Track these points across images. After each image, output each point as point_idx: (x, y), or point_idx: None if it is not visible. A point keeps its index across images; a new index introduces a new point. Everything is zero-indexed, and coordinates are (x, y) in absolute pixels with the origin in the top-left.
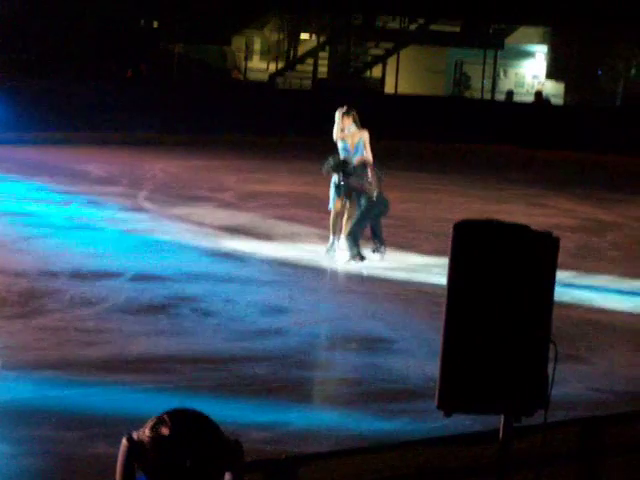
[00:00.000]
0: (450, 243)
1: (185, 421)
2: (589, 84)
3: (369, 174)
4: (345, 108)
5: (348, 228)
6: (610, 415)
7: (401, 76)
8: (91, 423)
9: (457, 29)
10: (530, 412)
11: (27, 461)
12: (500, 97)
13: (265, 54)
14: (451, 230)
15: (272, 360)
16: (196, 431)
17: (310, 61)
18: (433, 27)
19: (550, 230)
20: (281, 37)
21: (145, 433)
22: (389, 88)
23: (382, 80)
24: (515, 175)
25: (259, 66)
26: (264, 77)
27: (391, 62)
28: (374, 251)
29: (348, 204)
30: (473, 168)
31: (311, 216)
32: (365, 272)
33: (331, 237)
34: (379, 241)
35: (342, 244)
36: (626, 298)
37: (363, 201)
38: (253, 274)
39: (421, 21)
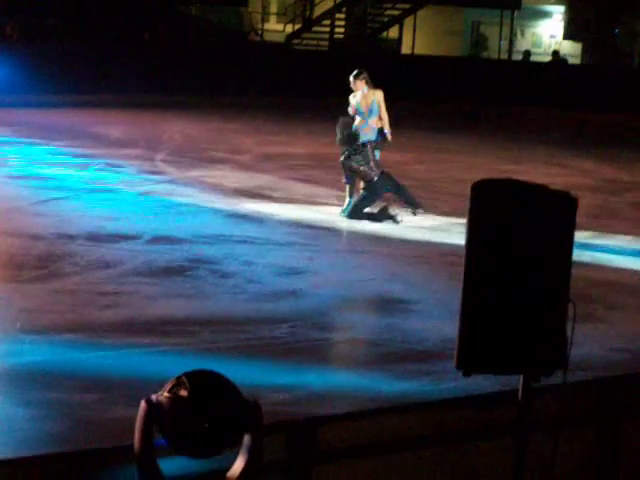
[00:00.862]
0: (468, 203)
1: (203, 383)
2: (606, 44)
3: (370, 156)
4: (355, 71)
5: (349, 209)
6: (629, 374)
7: (418, 37)
8: (109, 386)
9: None
10: (549, 372)
11: (44, 424)
12: (517, 57)
13: (282, 16)
14: (469, 191)
15: (290, 322)
16: (214, 392)
17: (327, 22)
18: None
19: (569, 190)
20: None
21: (164, 395)
22: (406, 49)
23: (399, 41)
24: (534, 135)
25: (276, 28)
26: (281, 39)
27: (408, 23)
28: (414, 214)
29: None
30: (492, 129)
31: (329, 177)
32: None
33: (347, 199)
34: (412, 205)
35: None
36: None
37: (362, 183)
38: (271, 236)
39: None
